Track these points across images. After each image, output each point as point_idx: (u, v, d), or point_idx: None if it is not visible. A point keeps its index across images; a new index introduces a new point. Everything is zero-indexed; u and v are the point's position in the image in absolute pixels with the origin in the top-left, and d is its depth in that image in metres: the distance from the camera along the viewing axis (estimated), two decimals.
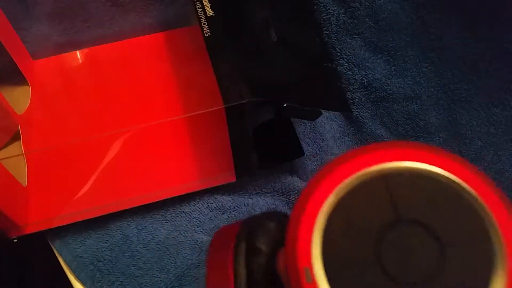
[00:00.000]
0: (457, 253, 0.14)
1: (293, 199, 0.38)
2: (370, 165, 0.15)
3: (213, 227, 0.37)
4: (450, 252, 0.14)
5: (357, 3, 0.38)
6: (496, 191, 0.15)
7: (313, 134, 0.40)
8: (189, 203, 0.37)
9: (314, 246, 0.15)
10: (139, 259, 0.35)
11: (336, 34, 0.39)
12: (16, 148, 0.37)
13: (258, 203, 0.38)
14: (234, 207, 0.37)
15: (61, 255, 0.36)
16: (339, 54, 0.40)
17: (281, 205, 0.38)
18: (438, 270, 0.14)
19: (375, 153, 0.15)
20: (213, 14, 0.34)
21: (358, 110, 0.40)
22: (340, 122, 0.41)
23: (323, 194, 0.15)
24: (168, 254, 0.35)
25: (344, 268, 0.14)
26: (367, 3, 0.38)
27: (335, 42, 0.39)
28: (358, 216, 0.15)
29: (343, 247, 0.15)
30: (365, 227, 0.15)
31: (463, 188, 0.15)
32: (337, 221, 0.15)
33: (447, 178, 0.15)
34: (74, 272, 0.35)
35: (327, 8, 0.39)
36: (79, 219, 0.35)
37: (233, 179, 0.37)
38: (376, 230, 0.15)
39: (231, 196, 0.38)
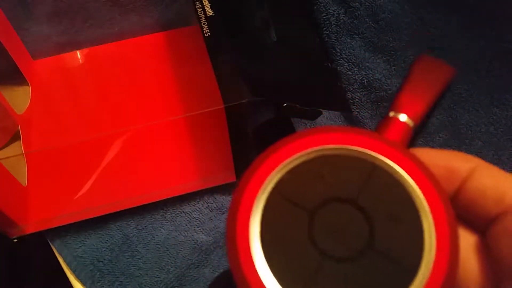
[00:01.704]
0: (386, 230, 0.15)
1: None
2: (307, 147, 0.16)
3: (213, 227, 0.37)
4: (380, 229, 0.15)
5: (357, 3, 0.38)
6: (427, 173, 0.16)
7: None
8: (189, 203, 0.37)
9: (252, 225, 0.15)
10: (139, 259, 0.35)
11: (336, 34, 0.39)
12: (16, 148, 0.37)
13: None
14: None
15: (61, 255, 0.36)
16: (339, 54, 0.40)
17: None
18: (367, 246, 0.15)
19: (313, 137, 0.16)
20: (213, 14, 0.34)
21: (358, 110, 0.40)
22: (340, 122, 0.41)
23: (261, 177, 0.16)
24: (168, 254, 0.35)
25: (280, 246, 0.15)
26: (367, 3, 0.38)
27: (335, 42, 0.39)
28: (293, 195, 0.16)
29: (281, 231, 0.15)
30: (300, 206, 0.16)
31: (394, 170, 0.16)
32: (275, 201, 0.16)
33: (380, 160, 0.16)
34: (74, 272, 0.35)
35: (327, 8, 0.39)
36: (79, 219, 0.35)
37: (233, 179, 0.37)
38: (309, 210, 0.16)
39: (231, 196, 0.38)
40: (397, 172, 0.16)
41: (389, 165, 0.16)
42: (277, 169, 0.16)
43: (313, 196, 0.16)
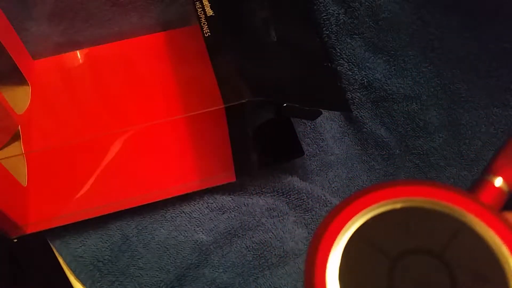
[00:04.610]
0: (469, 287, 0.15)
1: (293, 199, 0.38)
2: (395, 197, 0.16)
3: (213, 227, 0.37)
4: (462, 286, 0.15)
5: (357, 3, 0.38)
6: None
7: (313, 134, 0.40)
8: (189, 203, 0.37)
9: (330, 269, 0.15)
10: (139, 259, 0.35)
11: (336, 34, 0.39)
12: (16, 148, 0.37)
13: (258, 203, 0.38)
14: (234, 207, 0.37)
15: (61, 255, 0.36)
16: (339, 54, 0.40)
17: (281, 205, 0.38)
18: None
19: (402, 187, 0.16)
20: (213, 14, 0.34)
21: (358, 110, 0.40)
22: (340, 122, 0.41)
23: (343, 220, 0.16)
24: (168, 254, 0.35)
25: None
26: (367, 3, 0.38)
27: (335, 42, 0.39)
28: (377, 240, 0.16)
29: (359, 273, 0.15)
30: (383, 251, 0.16)
31: (484, 231, 0.16)
32: (357, 243, 0.16)
33: (470, 219, 0.16)
34: (74, 272, 0.35)
35: (327, 8, 0.39)
36: (79, 219, 0.35)
37: (233, 179, 0.37)
38: (392, 257, 0.16)
39: (231, 196, 0.38)
40: (487, 232, 0.16)
41: (480, 225, 0.16)
42: (363, 211, 0.16)
43: (397, 244, 0.16)
